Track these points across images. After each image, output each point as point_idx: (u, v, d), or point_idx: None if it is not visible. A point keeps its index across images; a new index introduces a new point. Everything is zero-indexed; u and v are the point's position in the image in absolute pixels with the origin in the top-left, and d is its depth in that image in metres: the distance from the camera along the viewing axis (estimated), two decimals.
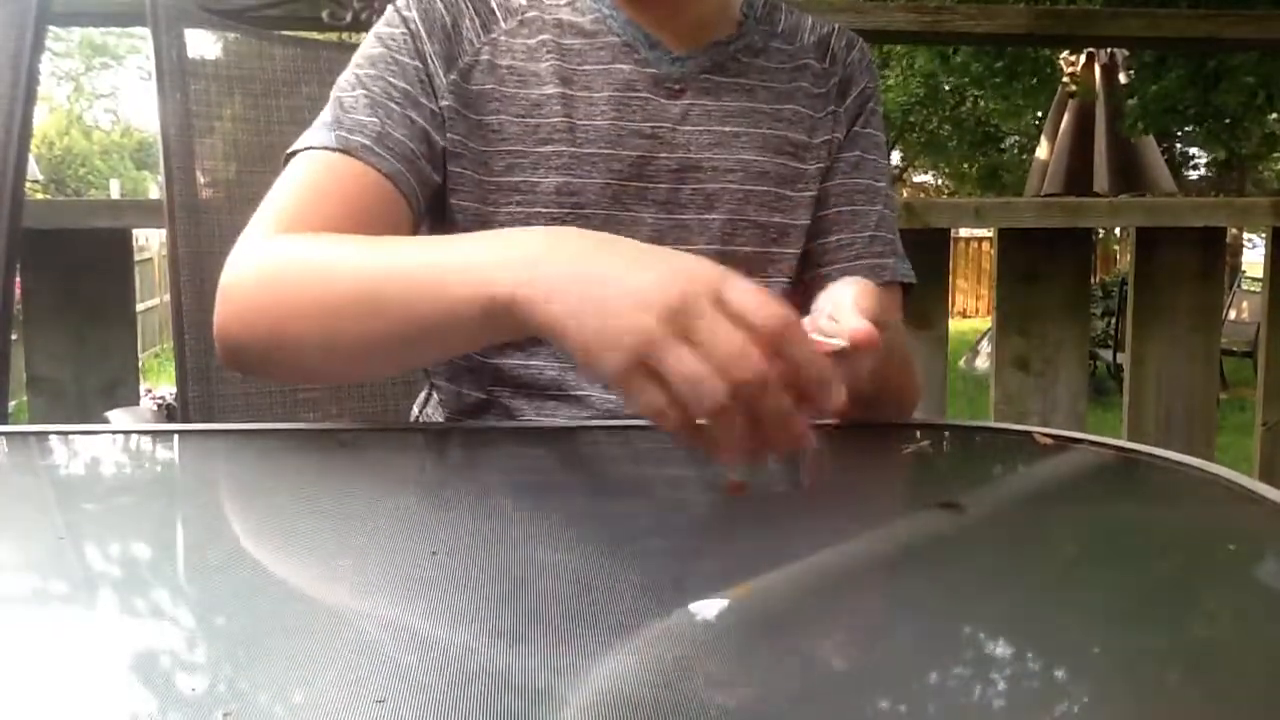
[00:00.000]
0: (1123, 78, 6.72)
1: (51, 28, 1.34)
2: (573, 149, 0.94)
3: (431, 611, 0.49)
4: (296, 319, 0.78)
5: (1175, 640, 0.44)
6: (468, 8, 0.97)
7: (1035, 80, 8.45)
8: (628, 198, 0.96)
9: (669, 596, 0.50)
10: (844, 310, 0.72)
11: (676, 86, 0.98)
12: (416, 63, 0.94)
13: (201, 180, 1.23)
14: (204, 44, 1.27)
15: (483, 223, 0.95)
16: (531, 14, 0.98)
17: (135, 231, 1.95)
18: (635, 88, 0.97)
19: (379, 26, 0.97)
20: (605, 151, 0.95)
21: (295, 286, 0.79)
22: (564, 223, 0.94)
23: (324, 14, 1.35)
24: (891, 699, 0.41)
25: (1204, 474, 0.72)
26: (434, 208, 0.98)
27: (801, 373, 0.59)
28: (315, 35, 1.43)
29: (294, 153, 0.91)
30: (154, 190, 18.67)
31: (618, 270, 0.62)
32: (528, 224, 0.94)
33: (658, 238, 0.96)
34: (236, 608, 0.49)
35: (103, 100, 24.38)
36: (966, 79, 8.64)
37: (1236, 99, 6.07)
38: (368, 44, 0.96)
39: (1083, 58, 6.82)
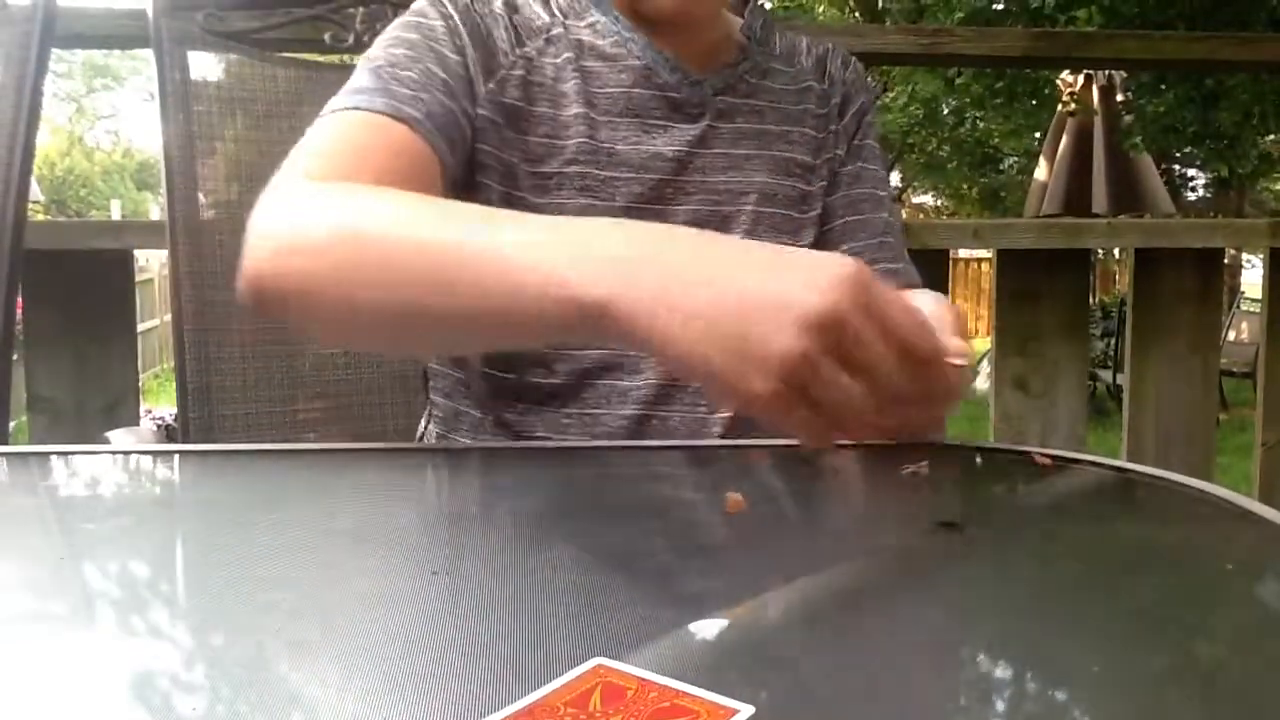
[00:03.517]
0: (1120, 98, 6.75)
1: (54, 49, 1.34)
2: (596, 170, 0.94)
3: (432, 631, 0.49)
4: (346, 273, 0.69)
5: (1175, 661, 0.44)
6: (502, 18, 0.95)
7: (1035, 101, 8.49)
8: (647, 219, 0.96)
9: (669, 616, 0.50)
10: (939, 326, 0.74)
11: (694, 111, 0.98)
12: (458, 57, 0.91)
13: (203, 201, 1.24)
14: (207, 65, 1.27)
15: None
16: (556, 31, 0.97)
17: (136, 252, 1.96)
18: (655, 113, 0.97)
19: (411, 16, 0.94)
20: (627, 175, 0.95)
21: (349, 239, 0.70)
22: None
23: (326, 36, 1.36)
24: (884, 710, 0.41)
25: (1204, 494, 0.72)
26: None
27: (933, 385, 0.61)
28: (317, 57, 1.44)
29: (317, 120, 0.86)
30: (155, 211, 18.74)
31: (749, 275, 0.53)
32: None
33: None
34: (237, 628, 0.49)
35: (104, 121, 24.48)
36: (967, 100, 8.69)
37: (1232, 118, 6.10)
38: (402, 28, 0.93)
39: (1081, 79, 6.85)
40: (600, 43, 0.97)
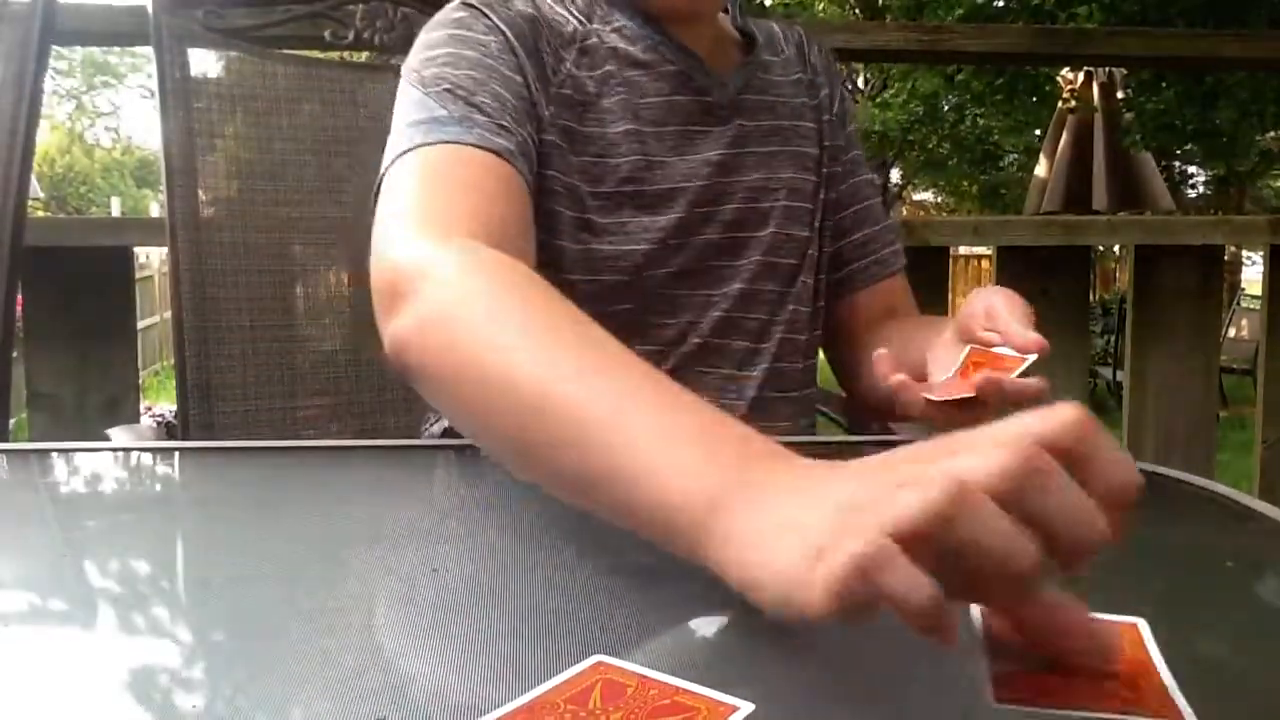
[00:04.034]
0: (1121, 95, 6.75)
1: (54, 47, 1.34)
2: (652, 187, 0.94)
3: (431, 628, 0.49)
4: (467, 398, 0.64)
5: (1174, 656, 0.44)
6: (541, 24, 0.92)
7: (1035, 98, 8.50)
8: (699, 223, 0.96)
9: (669, 614, 0.50)
10: (1004, 319, 0.76)
11: (724, 112, 0.98)
12: (519, 77, 0.88)
13: (203, 198, 1.24)
14: (207, 63, 1.27)
15: (585, 260, 0.92)
16: (591, 41, 0.95)
17: (136, 249, 1.96)
18: (694, 119, 0.97)
19: (454, 29, 0.89)
20: (680, 185, 0.95)
21: (476, 362, 0.62)
22: (651, 256, 0.93)
23: (326, 33, 1.36)
24: (883, 707, 0.41)
25: (1204, 491, 0.72)
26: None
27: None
28: (317, 54, 1.44)
29: (403, 153, 0.82)
30: (155, 208, 18.73)
31: (819, 498, 0.43)
32: (618, 263, 0.93)
33: (718, 253, 0.97)
34: (237, 625, 0.49)
35: (104, 118, 24.47)
36: (968, 97, 8.69)
37: (1231, 116, 6.11)
38: (451, 43, 0.88)
39: (1081, 75, 6.84)
40: (632, 49, 0.95)
